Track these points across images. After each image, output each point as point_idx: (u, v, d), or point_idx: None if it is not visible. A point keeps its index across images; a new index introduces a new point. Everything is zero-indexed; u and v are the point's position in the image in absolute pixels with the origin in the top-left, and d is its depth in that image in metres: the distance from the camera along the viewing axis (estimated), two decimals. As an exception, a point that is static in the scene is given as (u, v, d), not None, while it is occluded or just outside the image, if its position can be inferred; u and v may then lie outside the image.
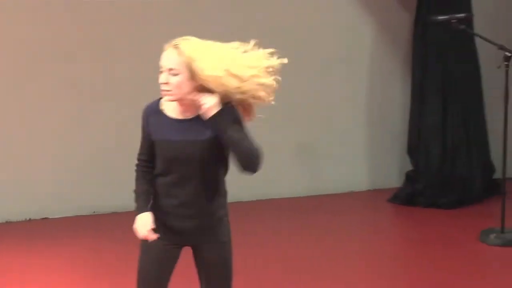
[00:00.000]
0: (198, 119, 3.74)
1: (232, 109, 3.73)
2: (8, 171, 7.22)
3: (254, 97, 3.76)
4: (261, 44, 3.77)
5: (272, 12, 7.76)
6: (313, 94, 7.90)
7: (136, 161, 3.91)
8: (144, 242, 3.85)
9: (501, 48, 6.58)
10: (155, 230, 3.80)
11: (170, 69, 3.68)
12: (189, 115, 3.77)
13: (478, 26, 7.60)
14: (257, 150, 3.70)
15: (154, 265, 3.88)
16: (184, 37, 3.74)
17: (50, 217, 7.32)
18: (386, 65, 8.17)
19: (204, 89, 3.69)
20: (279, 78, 3.76)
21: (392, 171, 8.26)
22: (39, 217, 7.29)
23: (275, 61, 3.77)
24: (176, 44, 3.70)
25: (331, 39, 7.96)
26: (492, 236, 6.67)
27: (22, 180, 7.22)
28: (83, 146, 7.36)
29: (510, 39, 7.75)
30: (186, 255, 3.93)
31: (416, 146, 7.92)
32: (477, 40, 7.54)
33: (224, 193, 3.88)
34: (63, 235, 6.86)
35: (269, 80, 3.76)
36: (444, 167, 7.81)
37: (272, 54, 3.79)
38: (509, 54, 6.53)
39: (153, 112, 3.83)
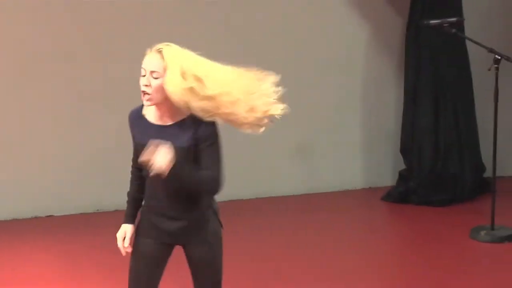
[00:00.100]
0: (176, 125, 3.74)
1: (212, 127, 3.72)
2: (8, 171, 7.20)
3: (224, 120, 3.74)
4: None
5: (272, 12, 7.61)
6: (309, 95, 7.84)
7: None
8: (136, 240, 3.90)
9: (491, 51, 6.63)
10: (145, 231, 3.87)
11: (152, 72, 3.70)
12: (168, 121, 3.77)
13: (470, 29, 7.58)
14: (211, 178, 3.70)
15: (145, 264, 3.89)
16: (167, 43, 3.75)
17: (55, 215, 7.32)
18: (380, 67, 8.15)
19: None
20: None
21: (386, 170, 8.25)
22: (44, 215, 7.30)
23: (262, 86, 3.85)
24: (160, 49, 3.72)
25: (325, 42, 7.93)
26: (483, 233, 6.73)
27: (23, 180, 7.20)
28: (83, 146, 7.33)
29: (501, 42, 7.82)
30: (182, 254, 3.96)
31: (409, 146, 7.91)
32: (468, 44, 7.55)
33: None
34: (66, 232, 6.90)
35: (243, 107, 3.71)
36: (436, 167, 7.82)
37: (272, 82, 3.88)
38: (499, 57, 6.59)
39: (137, 116, 3.86)
